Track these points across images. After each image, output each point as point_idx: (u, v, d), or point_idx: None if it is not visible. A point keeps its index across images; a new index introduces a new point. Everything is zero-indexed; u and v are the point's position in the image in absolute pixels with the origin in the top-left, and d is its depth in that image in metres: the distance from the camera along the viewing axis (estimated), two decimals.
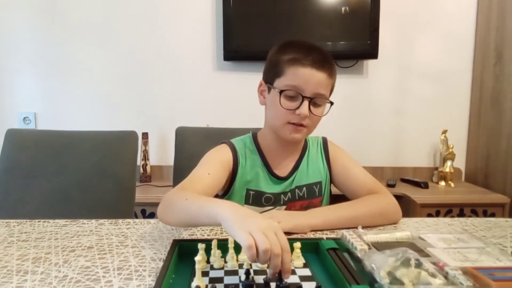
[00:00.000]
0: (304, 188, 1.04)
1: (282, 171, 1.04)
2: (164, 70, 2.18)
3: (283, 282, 0.56)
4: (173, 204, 0.80)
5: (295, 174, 1.04)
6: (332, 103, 0.97)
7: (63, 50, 2.15)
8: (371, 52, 2.08)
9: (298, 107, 0.92)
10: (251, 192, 1.02)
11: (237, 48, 2.08)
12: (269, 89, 0.98)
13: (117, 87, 2.18)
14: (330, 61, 0.96)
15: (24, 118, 2.18)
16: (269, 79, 0.99)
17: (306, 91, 0.92)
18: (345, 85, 2.20)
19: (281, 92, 0.93)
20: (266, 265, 0.67)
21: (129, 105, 2.19)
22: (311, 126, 0.97)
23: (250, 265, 0.67)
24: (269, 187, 1.02)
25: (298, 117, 0.93)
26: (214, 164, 0.98)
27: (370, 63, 2.19)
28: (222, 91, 2.18)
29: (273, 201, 1.02)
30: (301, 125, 0.94)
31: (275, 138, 1.02)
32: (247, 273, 0.62)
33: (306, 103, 0.92)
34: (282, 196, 1.02)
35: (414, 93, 2.23)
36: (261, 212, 1.00)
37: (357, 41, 2.08)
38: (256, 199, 1.02)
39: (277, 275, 0.57)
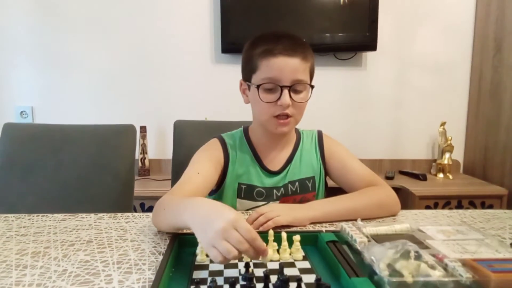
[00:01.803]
0: (297, 183, 1.04)
1: (274, 165, 1.03)
2: (162, 63, 2.16)
3: (284, 275, 0.56)
4: (162, 209, 0.81)
5: (288, 168, 1.04)
6: (312, 86, 0.97)
7: (60, 44, 2.13)
8: (370, 44, 2.07)
9: (278, 98, 0.91)
10: (243, 186, 1.02)
11: (235, 40, 2.06)
12: (249, 87, 0.98)
13: (115, 80, 2.17)
14: (301, 45, 0.94)
15: (21, 112, 2.17)
16: (246, 76, 0.98)
17: (283, 80, 0.91)
18: (343, 77, 2.19)
19: (258, 86, 0.93)
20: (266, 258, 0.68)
21: (127, 99, 2.18)
22: (297, 114, 0.96)
23: (252, 271, 0.66)
24: (260, 181, 1.02)
25: (281, 108, 0.92)
26: (203, 162, 0.98)
27: (369, 55, 2.18)
28: (220, 84, 2.16)
29: (265, 195, 1.02)
30: (287, 115, 0.93)
31: (264, 133, 1.02)
32: (247, 266, 0.62)
33: (286, 92, 0.91)
34: (274, 190, 1.02)
35: (413, 85, 2.22)
36: (255, 207, 1.00)
37: (356, 33, 2.06)
38: (248, 193, 1.02)
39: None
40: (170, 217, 0.76)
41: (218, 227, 0.58)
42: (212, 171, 0.97)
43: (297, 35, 0.97)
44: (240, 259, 0.67)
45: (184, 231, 0.82)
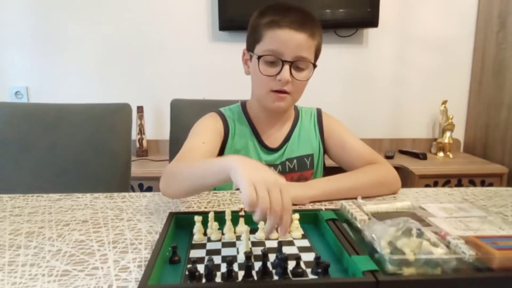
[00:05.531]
0: (295, 160, 1.02)
1: (272, 142, 1.02)
2: (158, 42, 2.11)
3: (282, 254, 0.55)
4: (177, 174, 0.78)
5: (286, 145, 1.02)
6: (315, 66, 0.94)
7: (54, 22, 2.07)
8: (371, 20, 2.02)
9: (278, 73, 0.89)
10: None
11: (232, 17, 2.01)
12: (251, 57, 0.95)
13: (111, 59, 2.12)
14: (311, 20, 0.91)
15: (16, 92, 2.13)
16: (250, 46, 0.95)
17: (285, 54, 0.88)
18: (344, 54, 2.14)
19: (259, 58, 0.90)
20: (264, 236, 0.66)
21: (123, 78, 2.14)
22: (296, 93, 0.93)
23: (250, 249, 0.64)
24: (258, 157, 1.00)
25: (280, 83, 0.89)
26: (206, 133, 0.95)
27: (370, 32, 2.13)
28: (218, 62, 2.12)
29: None
30: (284, 91, 0.91)
31: (261, 108, 0.99)
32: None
33: (286, 67, 0.88)
34: (272, 168, 1.00)
35: (415, 62, 2.18)
36: None
37: (357, 8, 2.01)
38: None
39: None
40: (200, 166, 0.73)
41: (270, 176, 0.58)
42: (215, 143, 0.96)
43: (308, 11, 0.93)
44: (238, 238, 0.66)
45: (182, 209, 0.81)
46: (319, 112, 1.08)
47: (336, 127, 1.06)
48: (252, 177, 0.57)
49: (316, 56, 0.95)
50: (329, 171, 1.05)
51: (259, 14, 0.93)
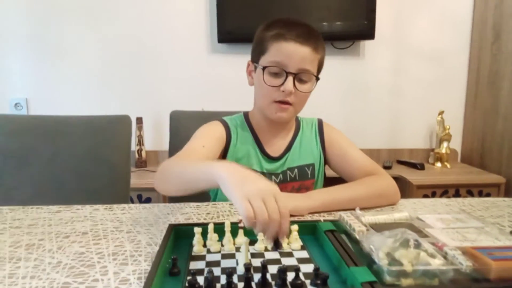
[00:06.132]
0: (296, 170, 1.03)
1: (274, 151, 1.03)
2: (157, 53, 2.13)
3: (281, 265, 0.55)
4: (169, 171, 0.80)
5: (287, 154, 1.03)
6: (318, 79, 0.96)
7: (54, 33, 2.09)
8: (368, 33, 2.05)
9: (282, 84, 0.91)
10: None
11: (231, 29, 2.03)
12: (256, 68, 0.97)
13: (110, 71, 2.14)
14: (315, 35, 0.94)
15: (16, 104, 2.14)
16: (255, 57, 0.98)
17: (290, 66, 0.91)
18: (341, 66, 2.17)
19: (264, 68, 0.92)
20: (263, 247, 0.67)
21: (123, 90, 2.15)
22: (298, 104, 0.96)
23: (250, 261, 0.65)
24: (260, 166, 1.01)
25: (283, 94, 0.92)
26: (208, 138, 0.97)
27: (367, 44, 2.16)
28: (217, 74, 2.14)
29: None
30: (287, 102, 0.93)
31: (264, 118, 1.02)
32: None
33: (290, 79, 0.91)
34: (273, 177, 1.02)
35: (411, 74, 2.20)
36: None
37: (354, 21, 2.04)
38: None
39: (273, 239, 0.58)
40: (191, 169, 0.74)
41: (261, 186, 0.58)
42: (215, 149, 0.97)
43: (312, 26, 0.96)
44: (238, 249, 0.66)
45: (182, 221, 0.81)
46: (320, 122, 1.10)
47: (337, 137, 1.07)
48: (244, 191, 0.57)
49: (319, 70, 0.98)
50: (329, 181, 1.06)
51: (265, 27, 0.96)
